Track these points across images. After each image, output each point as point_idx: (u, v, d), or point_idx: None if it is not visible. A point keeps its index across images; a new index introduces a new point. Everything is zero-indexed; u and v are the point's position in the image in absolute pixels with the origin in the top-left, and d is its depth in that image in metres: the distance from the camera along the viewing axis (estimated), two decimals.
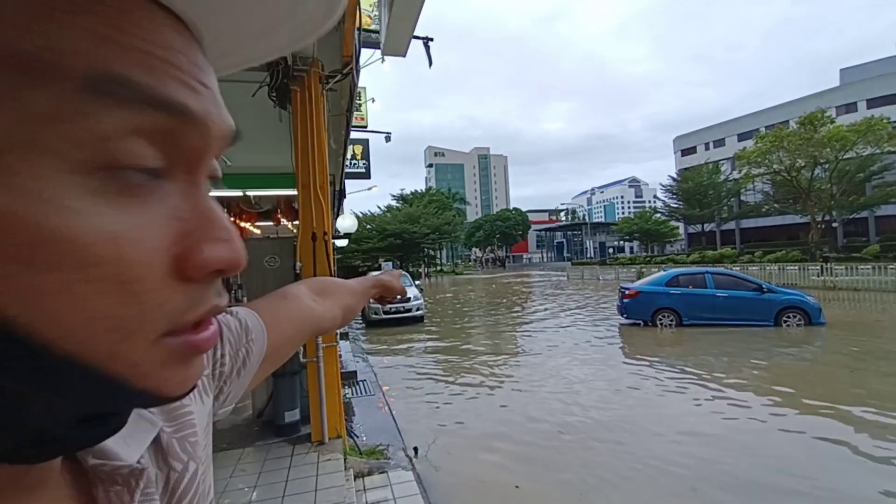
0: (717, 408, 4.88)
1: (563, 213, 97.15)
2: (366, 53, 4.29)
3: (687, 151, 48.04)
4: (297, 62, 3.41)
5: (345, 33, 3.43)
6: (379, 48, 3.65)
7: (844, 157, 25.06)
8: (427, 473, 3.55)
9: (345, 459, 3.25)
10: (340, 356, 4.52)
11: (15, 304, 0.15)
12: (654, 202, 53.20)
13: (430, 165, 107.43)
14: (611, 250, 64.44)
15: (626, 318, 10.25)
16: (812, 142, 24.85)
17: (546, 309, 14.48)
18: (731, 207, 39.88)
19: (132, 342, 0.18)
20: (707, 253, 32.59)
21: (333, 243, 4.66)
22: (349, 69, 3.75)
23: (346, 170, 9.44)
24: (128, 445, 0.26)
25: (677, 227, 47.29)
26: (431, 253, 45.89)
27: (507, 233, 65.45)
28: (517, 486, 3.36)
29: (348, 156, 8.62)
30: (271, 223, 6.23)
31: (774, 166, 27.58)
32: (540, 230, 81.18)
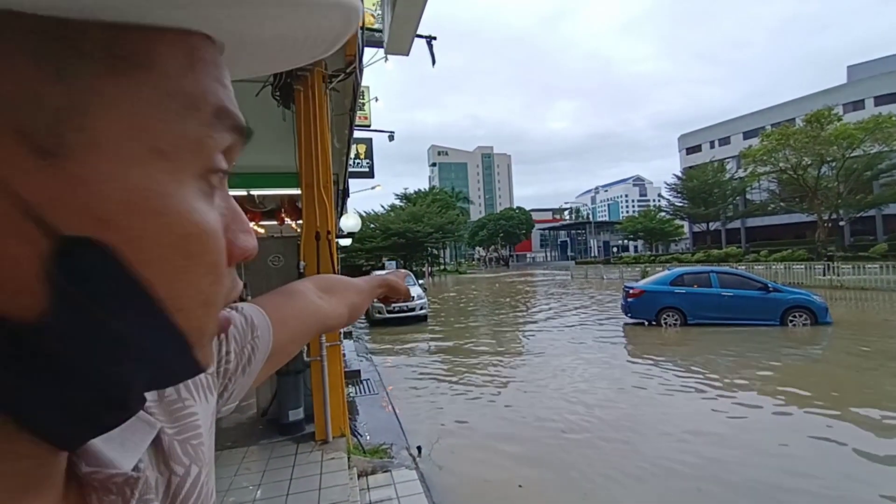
0: (723, 407, 4.85)
1: (566, 212, 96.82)
2: (369, 52, 4.29)
3: (692, 150, 47.76)
4: None
5: None
6: (382, 47, 3.64)
7: (852, 155, 24.79)
8: (430, 473, 3.55)
9: (348, 458, 3.26)
10: (344, 355, 4.52)
11: (162, 284, 0.19)
12: (659, 201, 53.00)
13: (434, 164, 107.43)
14: (615, 249, 64.12)
15: (631, 317, 10.21)
16: (819, 140, 24.59)
17: (550, 308, 14.45)
18: (737, 206, 39.59)
19: (210, 316, 0.22)
20: (712, 252, 32.41)
21: (337, 242, 4.67)
22: (352, 68, 3.75)
23: (350, 169, 9.46)
24: (124, 449, 0.25)
25: (682, 226, 46.99)
26: (435, 252, 45.87)
27: (510, 232, 65.35)
28: (520, 486, 3.36)
29: (352, 155, 8.63)
30: (275, 222, 6.25)
31: (780, 164, 27.33)
32: (544, 229, 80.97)
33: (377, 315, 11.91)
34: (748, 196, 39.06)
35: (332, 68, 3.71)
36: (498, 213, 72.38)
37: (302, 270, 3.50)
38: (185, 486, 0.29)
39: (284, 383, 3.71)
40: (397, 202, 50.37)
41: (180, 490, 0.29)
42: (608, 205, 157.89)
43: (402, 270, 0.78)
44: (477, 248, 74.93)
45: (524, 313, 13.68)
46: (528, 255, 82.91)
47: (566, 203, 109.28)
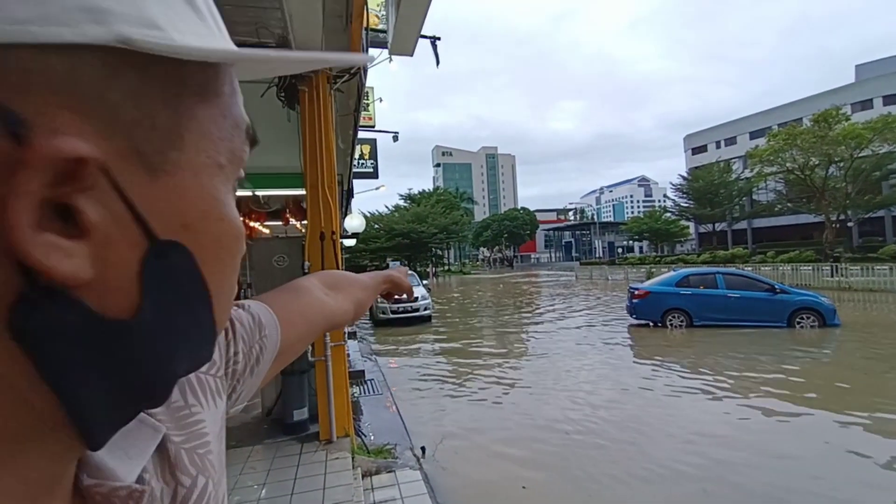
0: (730, 409, 4.81)
1: (571, 213, 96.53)
2: (373, 53, 4.30)
3: (698, 150, 47.45)
4: None
5: (352, 33, 3.44)
6: (386, 48, 3.65)
7: (860, 155, 24.54)
8: (434, 473, 3.55)
9: (353, 458, 3.26)
10: (348, 355, 4.53)
11: (212, 282, 0.22)
12: (664, 201, 52.70)
13: (438, 165, 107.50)
14: (620, 250, 63.85)
15: (636, 318, 10.15)
16: (826, 140, 24.37)
17: (554, 309, 14.41)
18: (743, 207, 39.28)
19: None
20: (718, 253, 32.19)
21: (341, 243, 4.68)
22: (357, 69, 3.76)
23: (354, 169, 9.48)
24: (128, 457, 0.24)
25: (688, 227, 46.70)
26: (439, 252, 45.88)
27: (514, 232, 65.24)
28: (524, 487, 3.35)
29: (356, 155, 8.66)
30: (280, 223, 6.27)
31: (787, 165, 27.11)
32: (548, 230, 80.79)
33: (381, 316, 11.93)
34: (755, 196, 38.74)
35: (337, 70, 3.73)
36: (502, 214, 72.29)
37: (306, 271, 3.51)
38: (191, 498, 0.28)
39: (289, 383, 3.73)
40: (401, 202, 50.45)
41: (187, 502, 0.28)
42: (613, 205, 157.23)
43: (404, 267, 0.77)
44: (481, 248, 74.88)
45: (528, 314, 13.65)
46: (533, 256, 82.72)
47: (571, 203, 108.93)
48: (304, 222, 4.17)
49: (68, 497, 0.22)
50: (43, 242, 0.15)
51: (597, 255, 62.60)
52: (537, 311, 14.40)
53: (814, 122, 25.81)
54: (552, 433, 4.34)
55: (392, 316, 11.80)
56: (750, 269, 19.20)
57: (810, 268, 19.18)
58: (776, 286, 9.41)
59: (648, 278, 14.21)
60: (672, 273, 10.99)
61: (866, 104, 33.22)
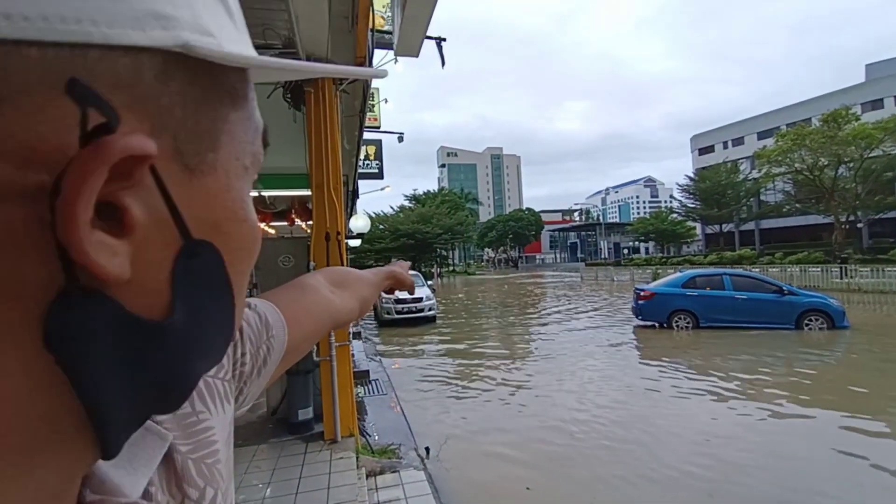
0: (736, 412, 4.77)
1: (576, 214, 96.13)
2: (379, 54, 4.32)
3: (704, 150, 47.10)
4: None
5: (358, 35, 3.45)
6: (392, 49, 3.66)
7: (870, 155, 24.25)
8: (438, 474, 3.55)
9: (357, 458, 3.27)
10: (353, 355, 4.55)
11: (234, 283, 0.22)
12: (671, 202, 52.31)
13: (443, 165, 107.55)
14: (626, 251, 63.50)
15: (642, 319, 10.10)
16: (836, 140, 24.10)
17: (559, 310, 14.36)
18: (751, 207, 38.91)
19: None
20: (725, 254, 31.92)
21: (346, 243, 4.70)
22: None
23: (360, 170, 9.51)
24: (133, 469, 0.23)
25: (694, 228, 46.34)
26: (444, 253, 45.88)
27: (519, 233, 65.07)
28: (528, 488, 3.34)
29: (361, 156, 8.69)
30: (286, 223, 6.30)
31: (796, 165, 26.85)
32: (553, 230, 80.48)
33: (386, 316, 11.96)
34: (762, 197, 38.38)
35: None
36: (507, 215, 72.17)
37: (312, 271, 3.52)
38: None
39: (294, 383, 3.74)
40: (406, 203, 50.56)
41: None
42: (619, 206, 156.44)
43: (405, 262, 0.76)
44: (486, 249, 74.78)
45: (534, 315, 13.62)
46: (538, 257, 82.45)
47: (576, 204, 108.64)
48: (310, 223, 4.19)
49: None
50: (96, 241, 0.15)
51: (602, 256, 62.26)
52: (542, 311, 14.36)
53: (823, 122, 25.55)
54: (557, 434, 4.33)
55: (397, 316, 11.83)
56: (757, 270, 19.00)
57: (819, 269, 18.97)
58: (784, 288, 9.32)
59: (654, 279, 14.13)
60: (678, 274, 10.92)
61: (877, 104, 32.79)
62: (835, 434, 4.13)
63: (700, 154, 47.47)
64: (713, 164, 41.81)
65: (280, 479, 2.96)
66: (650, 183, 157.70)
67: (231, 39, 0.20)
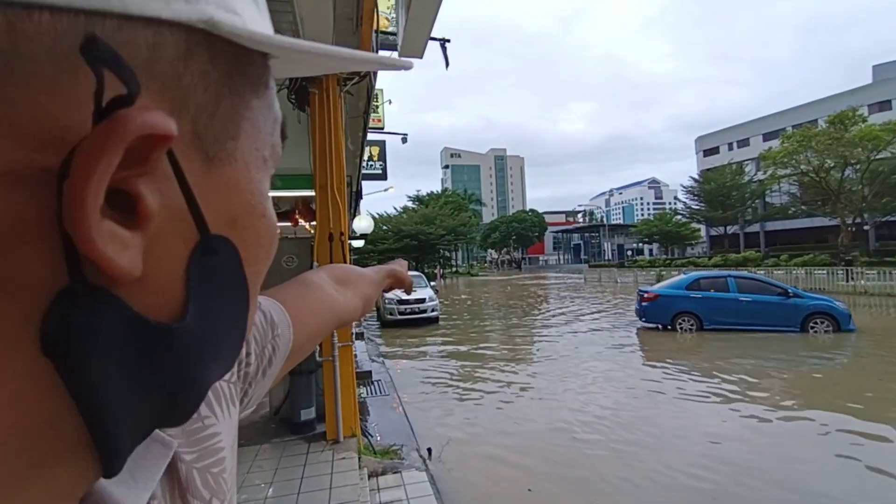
0: (740, 414, 4.74)
1: (580, 215, 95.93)
2: (383, 55, 4.32)
3: (709, 152, 46.89)
4: None
5: (362, 36, 3.47)
6: (396, 50, 3.67)
7: (877, 157, 24.05)
8: (440, 475, 3.55)
9: (359, 458, 3.27)
10: (356, 356, 4.55)
11: (251, 282, 0.21)
12: (675, 204, 52.14)
13: (447, 166, 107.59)
14: (629, 253, 63.29)
15: (645, 321, 10.06)
16: (842, 141, 23.94)
17: (562, 312, 14.33)
18: (756, 209, 38.70)
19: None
20: (730, 256, 31.73)
21: (350, 244, 4.71)
22: (367, 72, 3.79)
23: (363, 171, 9.54)
24: (134, 481, 0.21)
25: (699, 230, 46.12)
26: (447, 254, 45.87)
27: (523, 234, 65.00)
28: (530, 490, 3.33)
29: (365, 157, 8.71)
30: (289, 224, 6.33)
31: (802, 167, 26.68)
32: (557, 232, 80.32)
33: (389, 317, 11.97)
34: (768, 199, 38.16)
35: (347, 72, 3.76)
36: (510, 216, 72.08)
37: None
38: None
39: (297, 383, 3.75)
40: (410, 204, 50.59)
41: None
42: (623, 207, 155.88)
43: (404, 261, 0.76)
44: (489, 250, 74.71)
45: (536, 317, 13.59)
46: (541, 258, 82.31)
47: (580, 206, 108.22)
48: (313, 223, 4.20)
49: None
50: (106, 231, 0.14)
51: (606, 258, 62.11)
52: (545, 313, 14.33)
53: (829, 123, 25.37)
54: (560, 436, 4.31)
55: (400, 317, 11.84)
56: (762, 272, 18.89)
57: (825, 272, 18.81)
58: (789, 290, 9.26)
59: (658, 281, 14.07)
60: (682, 276, 10.87)
61: (884, 105, 32.55)
62: (840, 438, 4.09)
63: (705, 155, 47.26)
64: (718, 165, 41.63)
65: (282, 479, 2.97)
66: (654, 184, 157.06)
67: (254, 21, 0.19)
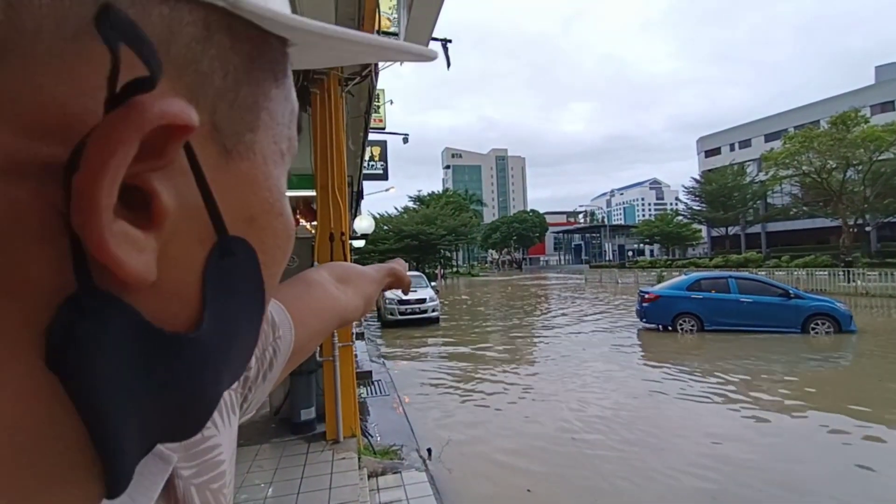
0: (740, 416, 4.73)
1: (581, 216, 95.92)
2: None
3: (711, 152, 46.83)
4: None
5: None
6: None
7: (879, 158, 24.00)
8: (440, 475, 3.55)
9: (359, 458, 3.28)
10: (356, 356, 4.56)
11: (268, 286, 0.20)
12: (676, 204, 52.12)
13: (448, 167, 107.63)
14: (630, 253, 63.29)
15: (646, 322, 10.05)
16: (844, 142, 23.89)
17: (563, 312, 14.33)
18: (757, 210, 38.64)
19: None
20: (731, 257, 31.70)
21: (351, 244, 4.71)
22: (368, 72, 3.79)
23: (364, 171, 9.55)
24: (132, 500, 0.18)
25: (700, 231, 46.09)
26: (448, 254, 45.89)
27: (523, 235, 65.01)
28: (529, 490, 3.33)
29: (366, 157, 8.72)
30: None
31: (803, 168, 26.63)
32: (557, 232, 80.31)
33: (389, 317, 11.98)
34: (769, 200, 38.10)
35: (348, 72, 3.76)
36: (511, 216, 72.12)
37: None
38: None
39: (297, 383, 3.76)
40: (411, 204, 50.60)
41: None
42: (624, 208, 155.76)
43: (402, 260, 0.76)
44: (490, 250, 74.74)
45: (537, 317, 13.59)
46: (542, 259, 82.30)
47: (581, 206, 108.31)
48: (314, 223, 4.21)
49: None
50: (119, 232, 0.12)
51: (607, 259, 62.08)
52: (546, 313, 14.33)
53: (831, 124, 25.32)
54: (560, 437, 4.31)
55: (400, 317, 11.85)
56: (763, 273, 18.86)
57: (826, 273, 18.78)
58: (790, 291, 9.25)
59: (659, 282, 14.06)
60: (683, 277, 10.86)
61: (886, 106, 32.47)
62: (840, 438, 4.08)
63: (706, 156, 47.20)
64: (719, 166, 41.56)
65: (282, 479, 2.97)
66: (655, 185, 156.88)
67: (274, 2, 0.18)
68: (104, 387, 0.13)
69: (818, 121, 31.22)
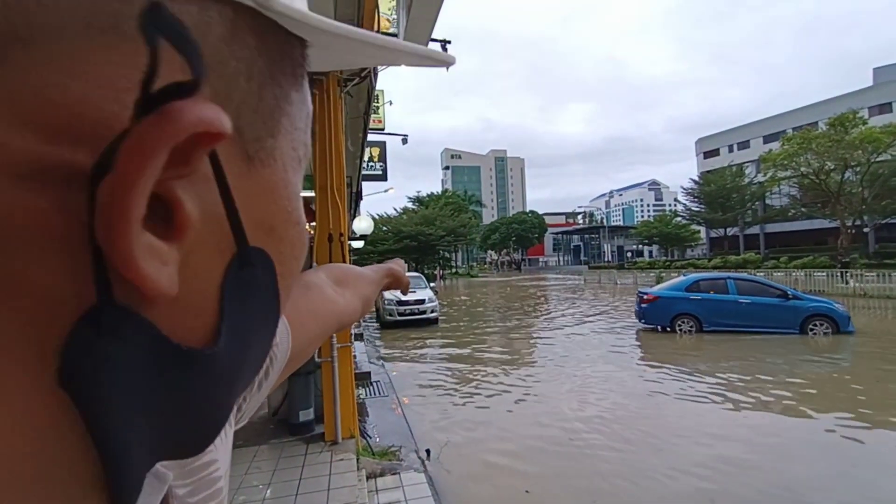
0: (739, 416, 4.74)
1: (580, 216, 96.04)
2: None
3: (709, 154, 46.93)
4: None
5: None
6: None
7: (877, 159, 24.07)
8: (439, 476, 3.54)
9: (357, 459, 3.27)
10: (355, 357, 4.55)
11: (283, 298, 0.19)
12: (675, 205, 52.20)
13: (447, 167, 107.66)
14: (629, 254, 63.35)
15: (644, 323, 10.06)
16: (842, 144, 23.95)
17: (562, 314, 14.34)
18: (756, 211, 38.71)
19: None
20: (730, 258, 31.75)
21: (349, 244, 4.71)
22: (367, 72, 3.79)
23: (363, 172, 9.55)
24: None
25: (698, 232, 46.18)
26: (447, 255, 45.87)
27: (522, 235, 65.03)
28: (527, 491, 3.33)
29: (365, 158, 8.72)
30: None
31: (802, 169, 26.70)
32: (557, 233, 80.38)
33: (388, 318, 11.97)
34: (768, 201, 38.18)
35: (347, 73, 3.76)
36: (510, 217, 72.14)
37: None
38: None
39: (295, 384, 3.75)
40: (410, 205, 50.63)
41: None
42: (623, 209, 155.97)
43: (401, 260, 0.76)
44: (489, 251, 74.75)
45: (536, 318, 13.59)
46: (541, 260, 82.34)
47: (580, 207, 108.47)
48: (313, 224, 4.20)
49: None
50: (145, 244, 0.12)
51: (606, 260, 62.18)
52: (545, 315, 14.33)
53: (830, 125, 25.40)
54: (559, 438, 4.31)
55: (399, 318, 11.84)
56: (762, 274, 18.90)
57: (824, 274, 18.83)
58: (789, 292, 9.27)
59: (658, 283, 14.08)
60: (682, 278, 10.87)
61: (884, 108, 32.60)
62: (839, 438, 4.09)
63: (705, 157, 47.29)
64: (718, 167, 41.63)
65: (280, 480, 2.96)
66: (654, 186, 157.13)
67: (297, 1, 0.17)
68: (117, 405, 0.12)
69: (816, 122, 31.36)
